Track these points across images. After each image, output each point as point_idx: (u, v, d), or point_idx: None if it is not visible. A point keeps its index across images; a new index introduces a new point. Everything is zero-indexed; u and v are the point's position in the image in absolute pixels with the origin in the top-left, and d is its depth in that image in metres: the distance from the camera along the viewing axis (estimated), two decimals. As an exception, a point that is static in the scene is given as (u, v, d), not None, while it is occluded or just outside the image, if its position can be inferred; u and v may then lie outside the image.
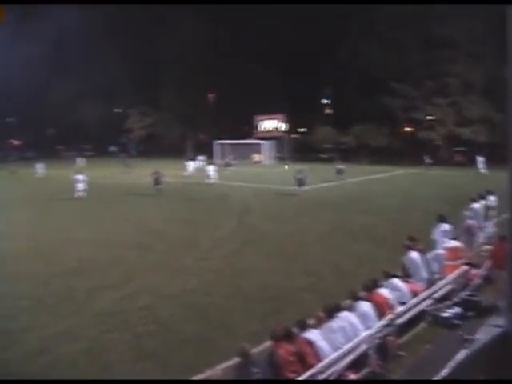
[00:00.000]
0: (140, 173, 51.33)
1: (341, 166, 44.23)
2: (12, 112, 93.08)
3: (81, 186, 36.60)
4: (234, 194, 36.67)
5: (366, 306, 10.51)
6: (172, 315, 13.00)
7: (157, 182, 37.77)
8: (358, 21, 62.58)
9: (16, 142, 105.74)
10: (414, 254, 13.27)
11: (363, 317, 10.27)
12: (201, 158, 58.97)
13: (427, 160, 51.59)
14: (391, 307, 10.65)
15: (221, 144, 69.19)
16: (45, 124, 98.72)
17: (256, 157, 67.64)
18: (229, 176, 48.30)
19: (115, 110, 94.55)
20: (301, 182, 35.68)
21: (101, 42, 79.74)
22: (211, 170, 43.96)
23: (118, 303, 14.07)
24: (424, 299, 11.83)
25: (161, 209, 31.02)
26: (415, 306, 11.43)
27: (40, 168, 54.08)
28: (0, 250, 20.81)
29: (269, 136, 70.45)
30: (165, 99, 79.12)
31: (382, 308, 10.62)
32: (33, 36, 73.02)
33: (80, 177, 36.98)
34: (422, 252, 13.57)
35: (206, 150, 65.91)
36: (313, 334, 9.39)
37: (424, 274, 13.15)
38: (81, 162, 63.52)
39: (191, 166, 52.24)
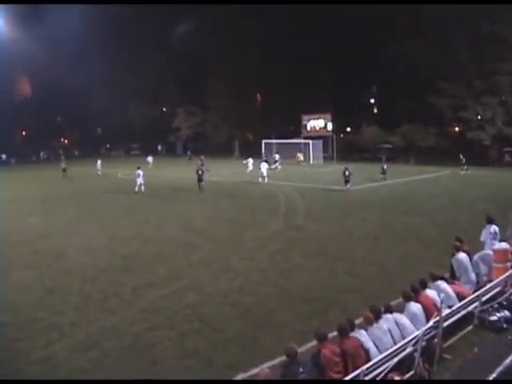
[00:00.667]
0: (187, 171, 51.76)
1: (385, 166, 43.76)
2: (62, 111, 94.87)
3: (140, 180, 38.96)
4: (280, 193, 36.60)
5: (415, 307, 10.37)
6: (217, 314, 13.03)
7: (200, 178, 38.46)
8: (405, 20, 61.66)
9: (65, 141, 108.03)
10: (463, 256, 13.01)
11: (413, 318, 10.15)
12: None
13: (463, 159, 50.15)
14: (438, 309, 10.48)
15: (268, 143, 69.15)
16: (93, 123, 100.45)
17: (300, 156, 67.30)
18: (275, 175, 48.22)
19: (163, 110, 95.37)
20: (346, 180, 37.08)
21: (149, 42, 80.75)
22: (264, 168, 44.29)
23: (163, 300, 14.19)
24: (471, 302, 11.56)
25: (207, 207, 31.17)
26: (462, 308, 11.19)
27: (99, 166, 55.06)
28: (51, 246, 21.26)
29: (316, 135, 70.09)
30: (212, 99, 79.38)
31: (429, 310, 10.44)
32: (81, 37, 74.61)
33: (140, 172, 39.09)
34: (469, 254, 13.30)
35: (253, 150, 65.90)
36: (360, 335, 9.30)
37: (472, 276, 12.89)
38: (150, 159, 63.96)
39: (250, 163, 52.16)
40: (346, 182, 37.11)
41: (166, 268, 17.43)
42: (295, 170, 56.76)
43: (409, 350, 9.22)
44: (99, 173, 54.39)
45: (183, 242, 21.52)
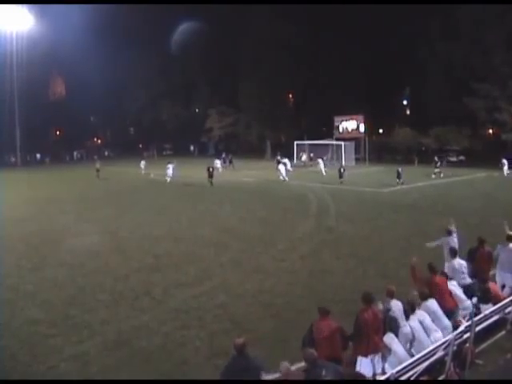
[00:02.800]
0: (222, 171, 52.09)
1: (400, 169, 43.36)
2: (95, 111, 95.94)
3: (170, 172, 45.97)
4: (311, 193, 36.47)
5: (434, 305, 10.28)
6: (247, 314, 13.02)
7: (210, 174, 42.39)
8: (438, 21, 60.94)
9: (98, 141, 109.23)
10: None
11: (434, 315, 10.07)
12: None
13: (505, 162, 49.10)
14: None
15: (300, 144, 68.99)
16: (126, 123, 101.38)
17: (303, 156, 66.97)
18: (307, 176, 48.07)
19: (195, 110, 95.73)
20: (398, 178, 40.72)
21: (181, 42, 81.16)
22: (283, 169, 45.50)
23: (193, 300, 14.24)
24: (505, 306, 11.35)
25: (238, 207, 31.19)
26: (495, 313, 10.99)
27: (143, 165, 55.48)
28: (84, 245, 21.51)
29: (348, 137, 69.66)
30: (244, 99, 79.35)
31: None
32: (115, 38, 75.39)
33: (170, 165, 46.30)
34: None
35: (285, 151, 65.73)
36: (389, 338, 9.23)
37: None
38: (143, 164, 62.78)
39: (289, 165, 52.20)
40: (398, 178, 40.68)
41: (197, 268, 17.49)
42: (327, 171, 56.47)
43: (440, 354, 9.10)
44: (143, 172, 54.58)
45: (214, 241, 21.57)
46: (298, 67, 71.39)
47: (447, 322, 10.19)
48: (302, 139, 69.27)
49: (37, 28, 73.64)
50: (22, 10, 72.49)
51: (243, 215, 28.19)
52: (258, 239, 21.90)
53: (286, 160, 50.90)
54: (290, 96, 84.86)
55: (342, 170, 43.24)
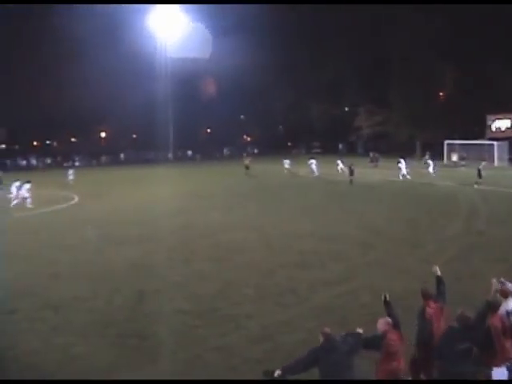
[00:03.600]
0: (368, 171, 51.45)
1: (480, 166, 40.20)
2: (244, 110, 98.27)
3: (314, 167, 49.64)
4: (459, 194, 34.87)
5: None
6: (392, 315, 12.64)
7: (351, 173, 42.64)
8: None
9: (248, 139, 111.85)
10: None
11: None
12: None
13: None
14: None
15: (450, 144, 66.49)
16: (275, 122, 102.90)
17: (453, 157, 63.81)
18: (458, 177, 46.14)
19: (344, 109, 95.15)
20: None
21: (330, 41, 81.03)
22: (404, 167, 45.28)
23: (337, 299, 14.10)
24: None
25: (384, 206, 30.52)
26: None
27: (287, 164, 56.23)
28: (231, 240, 22.07)
29: (502, 136, 65.96)
30: (394, 98, 77.84)
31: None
32: (263, 37, 76.61)
33: (313, 161, 50.03)
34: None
35: (434, 150, 63.60)
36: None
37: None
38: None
39: (431, 166, 50.64)
40: None
41: (342, 266, 17.31)
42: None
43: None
44: (286, 171, 55.11)
45: (360, 240, 21.25)
46: (449, 64, 68.66)
47: None
48: (453, 139, 66.65)
49: (189, 28, 76.40)
50: (175, 10, 75.62)
51: (390, 215, 27.52)
52: (404, 240, 21.28)
53: (401, 160, 48.34)
54: (441, 94, 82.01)
55: (480, 170, 39.31)
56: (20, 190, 34.71)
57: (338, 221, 26.22)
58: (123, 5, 68.22)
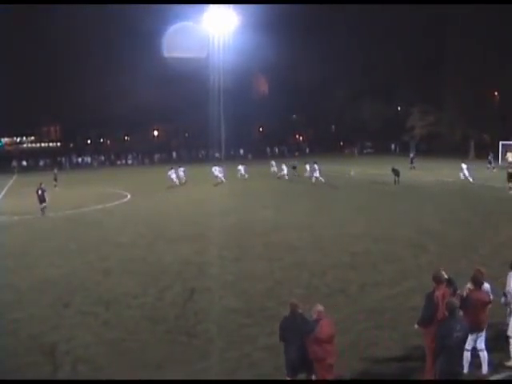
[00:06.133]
0: (424, 172, 50.64)
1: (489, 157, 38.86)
2: (297, 109, 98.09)
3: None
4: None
5: None
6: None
7: (397, 173, 41.68)
8: None
9: (300, 138, 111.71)
10: None
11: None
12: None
13: None
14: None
15: (506, 145, 64.89)
16: (327, 121, 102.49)
17: (509, 156, 61.83)
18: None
19: (397, 109, 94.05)
20: None
21: (383, 41, 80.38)
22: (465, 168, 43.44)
23: (388, 301, 13.96)
24: None
25: (437, 208, 29.88)
26: None
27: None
28: (282, 239, 22.08)
29: None
30: (448, 98, 76.48)
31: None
32: (316, 37, 76.38)
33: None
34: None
35: (489, 151, 62.20)
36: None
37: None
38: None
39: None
40: None
41: (394, 268, 17.12)
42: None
43: None
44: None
45: (412, 242, 20.92)
46: (505, 64, 67.01)
47: None
48: (508, 139, 65.05)
49: (241, 28, 76.55)
50: (228, 10, 75.79)
51: (444, 217, 26.94)
52: (459, 242, 20.80)
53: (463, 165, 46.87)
54: (497, 94, 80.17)
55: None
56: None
57: (392, 222, 25.82)
58: (177, 4, 68.89)
